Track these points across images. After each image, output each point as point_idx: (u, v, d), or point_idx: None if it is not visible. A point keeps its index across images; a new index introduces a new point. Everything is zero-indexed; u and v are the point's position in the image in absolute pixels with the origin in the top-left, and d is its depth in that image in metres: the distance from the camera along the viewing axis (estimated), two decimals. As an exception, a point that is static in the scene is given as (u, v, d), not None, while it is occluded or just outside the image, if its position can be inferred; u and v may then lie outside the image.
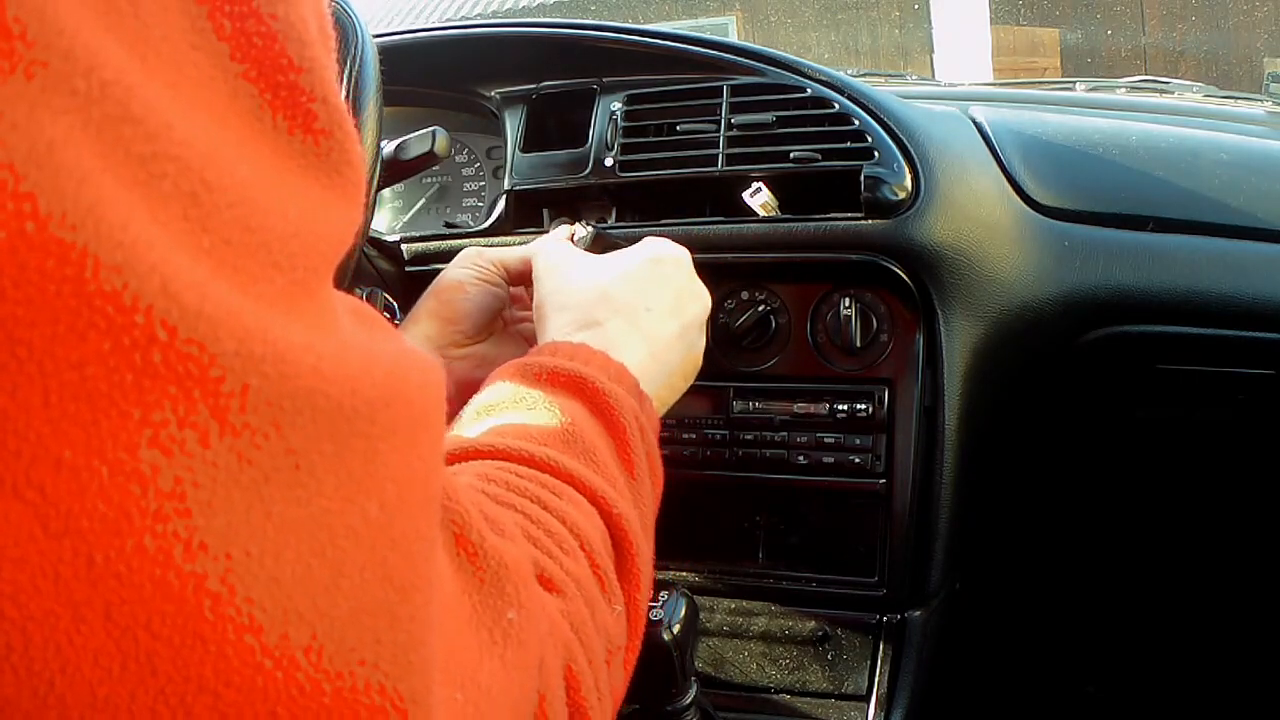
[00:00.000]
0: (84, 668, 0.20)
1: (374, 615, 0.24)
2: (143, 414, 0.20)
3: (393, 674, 0.25)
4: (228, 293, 0.21)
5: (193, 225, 0.21)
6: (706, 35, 0.98)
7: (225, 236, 0.22)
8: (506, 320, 0.71)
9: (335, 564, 0.23)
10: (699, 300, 0.64)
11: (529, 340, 0.69)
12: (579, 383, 0.49)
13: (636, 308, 0.59)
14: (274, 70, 0.24)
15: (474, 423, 0.49)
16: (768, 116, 0.90)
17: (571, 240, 0.76)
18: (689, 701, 0.68)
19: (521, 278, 0.70)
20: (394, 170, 0.79)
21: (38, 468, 0.19)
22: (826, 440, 0.88)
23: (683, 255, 0.65)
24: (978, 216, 0.88)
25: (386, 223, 1.12)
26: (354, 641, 0.24)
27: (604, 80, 0.99)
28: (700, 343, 0.63)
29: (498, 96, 1.04)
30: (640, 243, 0.65)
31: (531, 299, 0.63)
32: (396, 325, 0.73)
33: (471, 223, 1.06)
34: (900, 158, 0.85)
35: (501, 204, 0.97)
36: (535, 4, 7.19)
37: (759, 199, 0.87)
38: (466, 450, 0.45)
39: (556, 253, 0.64)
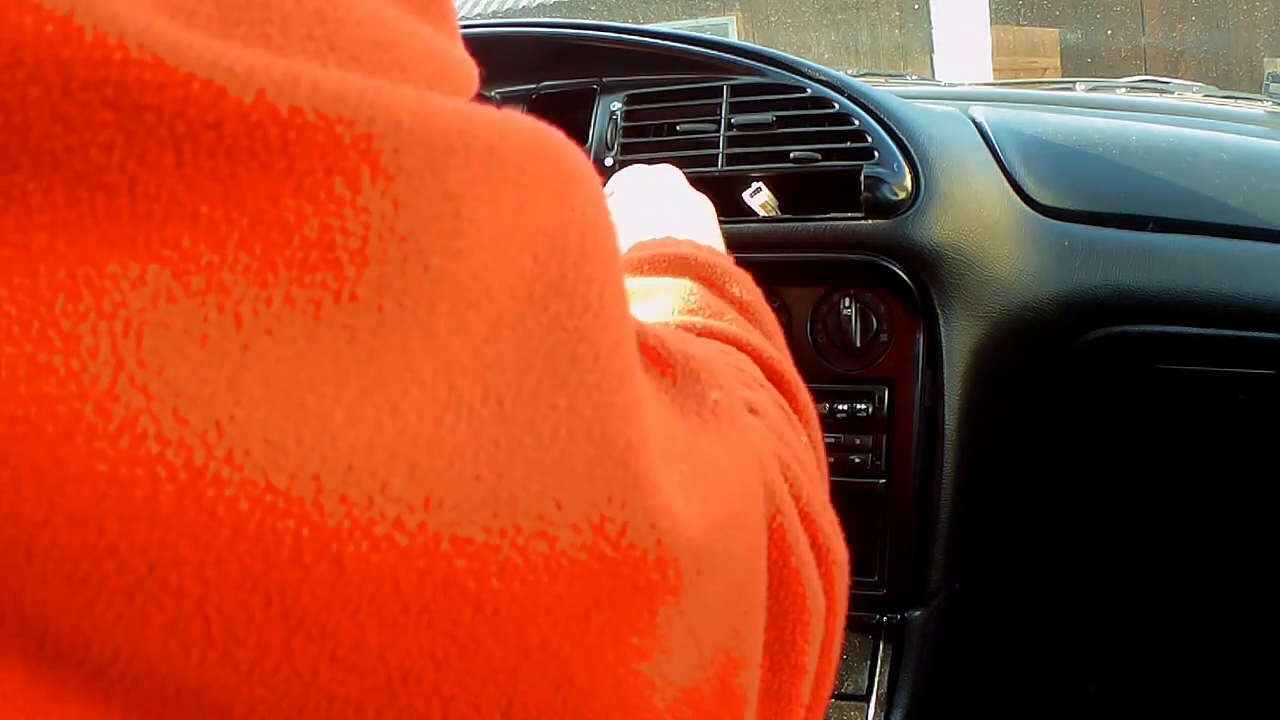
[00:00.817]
0: (253, 449, 0.18)
1: (550, 359, 0.22)
2: (286, 164, 0.18)
3: (595, 417, 0.22)
4: (353, 76, 0.20)
5: (319, 45, 0.20)
6: (706, 35, 0.98)
7: (354, 54, 0.20)
8: None
9: (493, 316, 0.21)
10: (704, 199, 0.65)
11: None
12: (682, 261, 0.47)
13: (675, 210, 0.59)
14: None
15: None
16: (768, 116, 0.90)
17: None
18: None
19: None
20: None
21: (172, 224, 0.18)
22: (826, 440, 0.88)
23: (672, 171, 0.65)
24: (978, 216, 0.88)
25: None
26: (534, 388, 0.21)
27: (604, 80, 0.99)
28: (716, 223, 0.63)
29: (498, 96, 1.04)
30: (619, 181, 0.65)
31: None
32: None
33: (471, 223, 1.06)
34: (900, 158, 0.85)
35: (501, 204, 0.97)
36: (535, 4, 7.19)
37: (759, 199, 0.87)
38: None
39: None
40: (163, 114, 0.17)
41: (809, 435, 0.39)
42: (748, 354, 0.41)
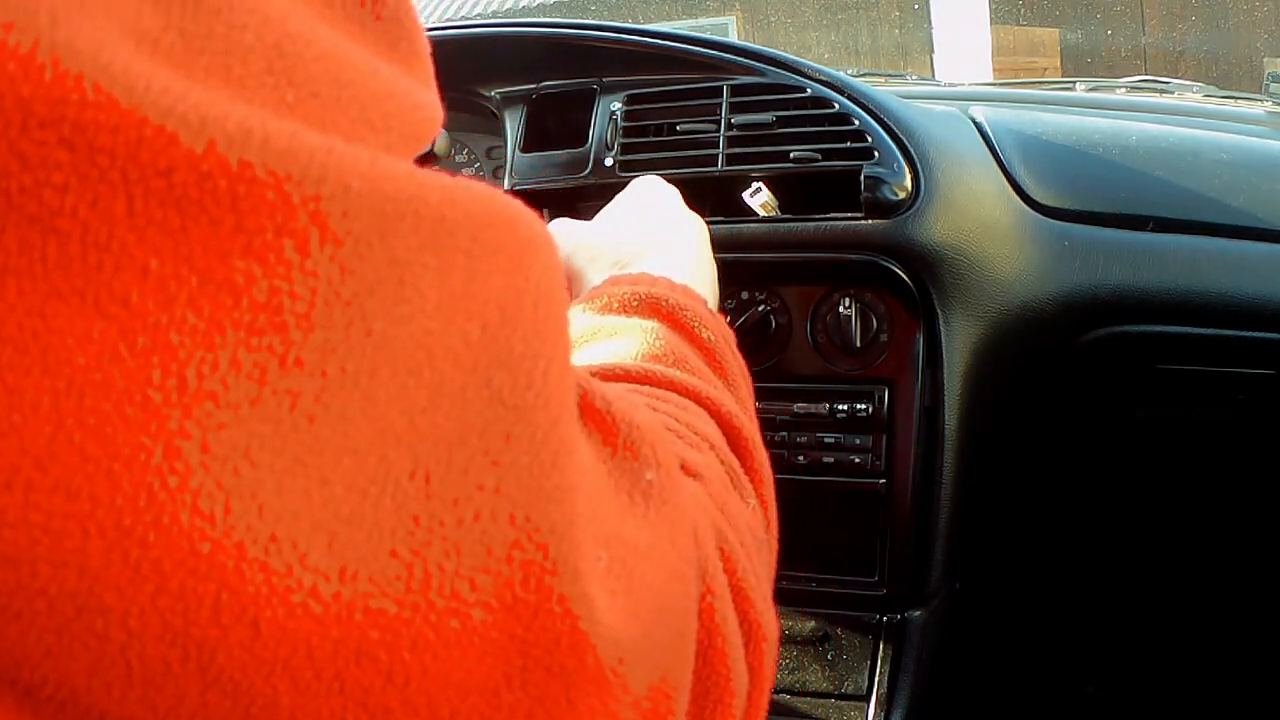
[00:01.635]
0: (180, 514, 0.18)
1: (484, 436, 0.22)
2: (237, 221, 0.18)
3: (521, 500, 0.22)
4: (308, 130, 0.20)
5: (278, 79, 0.20)
6: (706, 35, 0.98)
7: (313, 90, 0.20)
8: None
9: (434, 385, 0.21)
10: (696, 221, 0.64)
11: None
12: (653, 303, 0.47)
13: (664, 237, 0.59)
14: None
15: None
16: (768, 116, 0.90)
17: None
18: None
19: None
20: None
21: (122, 278, 0.18)
22: (827, 440, 0.88)
23: (671, 189, 0.65)
24: (978, 216, 0.88)
25: (386, 223, 1.12)
26: (464, 464, 0.22)
27: (604, 80, 0.99)
28: (713, 260, 0.63)
29: (498, 96, 1.04)
30: (632, 184, 0.65)
31: None
32: None
33: (471, 223, 1.06)
34: (900, 158, 0.85)
35: (501, 204, 0.97)
36: (535, 4, 7.19)
37: (759, 199, 0.87)
38: None
39: (556, 226, 0.65)
40: (116, 157, 0.17)
41: (760, 494, 0.40)
42: (706, 408, 0.41)
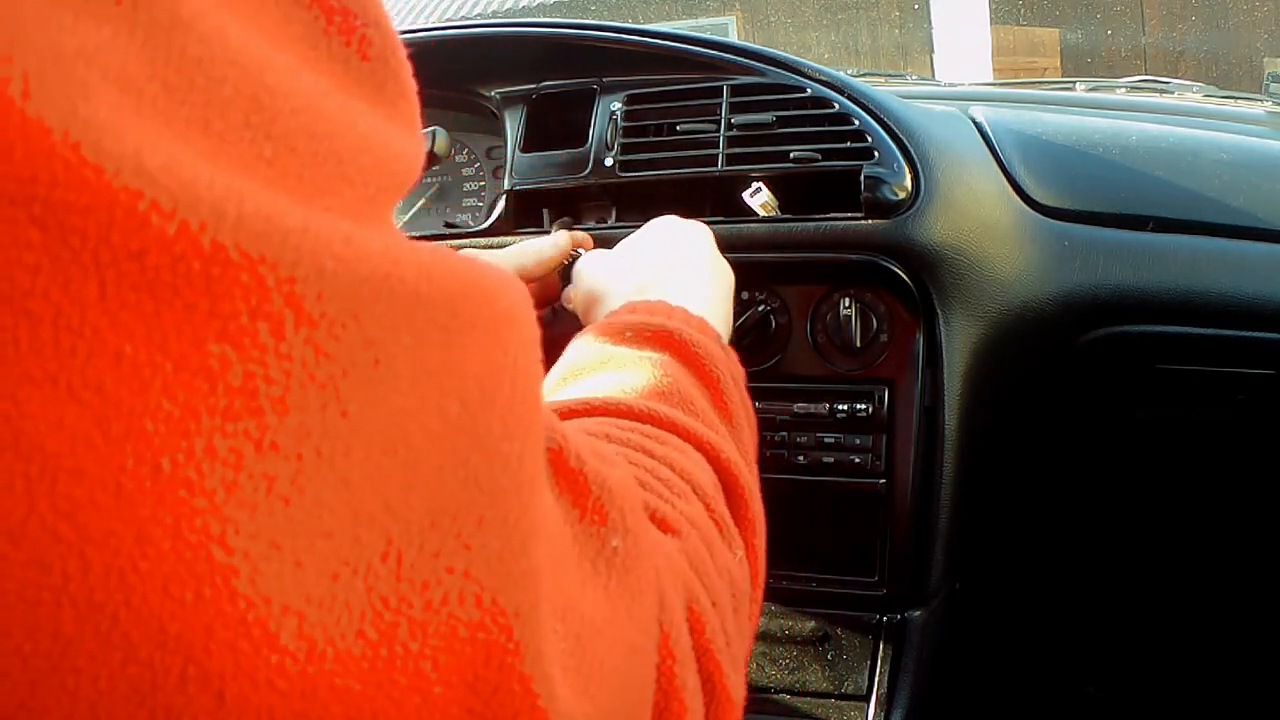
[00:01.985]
0: (151, 595, 0.18)
1: (457, 519, 0.22)
2: (211, 305, 0.18)
3: (489, 584, 0.23)
4: (290, 205, 0.20)
5: (256, 133, 0.20)
6: (706, 35, 0.98)
7: (290, 144, 0.20)
8: None
9: (409, 464, 0.21)
10: (724, 265, 0.65)
11: None
12: (665, 336, 0.47)
13: (677, 265, 0.59)
14: None
15: (561, 386, 0.46)
16: (768, 116, 0.90)
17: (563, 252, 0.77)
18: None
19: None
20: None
21: (95, 364, 0.17)
22: (826, 440, 0.88)
23: (685, 221, 0.66)
24: (978, 216, 0.88)
25: (386, 223, 1.12)
26: (436, 547, 0.22)
27: (604, 80, 0.99)
28: (730, 303, 0.64)
29: (498, 96, 1.04)
30: (650, 223, 0.67)
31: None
32: None
33: (471, 223, 1.06)
34: (900, 158, 0.85)
35: (501, 204, 0.97)
36: (535, 4, 7.19)
37: (759, 199, 0.87)
38: (559, 411, 0.41)
39: (586, 259, 0.67)
40: (88, 238, 0.17)
41: (750, 544, 0.40)
42: (704, 454, 0.41)
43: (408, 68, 0.25)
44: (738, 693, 0.34)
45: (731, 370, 0.49)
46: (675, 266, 0.59)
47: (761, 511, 0.42)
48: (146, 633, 0.19)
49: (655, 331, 0.48)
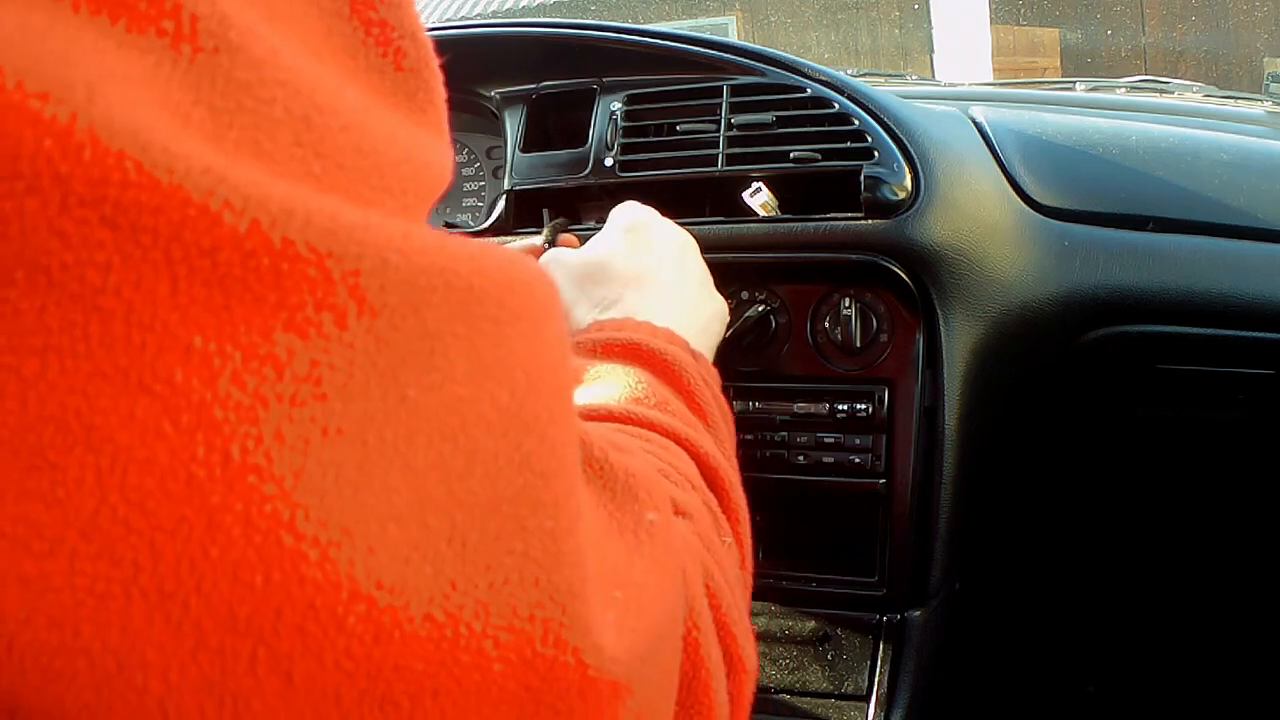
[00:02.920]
0: (221, 581, 0.19)
1: (515, 503, 0.23)
2: (279, 297, 0.19)
3: (545, 563, 0.24)
4: (348, 206, 0.20)
5: (305, 151, 0.20)
6: (706, 35, 0.98)
7: (339, 161, 0.21)
8: None
9: (469, 451, 0.22)
10: (688, 245, 0.65)
11: None
12: (634, 349, 0.49)
13: (641, 275, 0.59)
14: (364, 6, 0.23)
15: None
16: (768, 116, 0.90)
17: (540, 246, 0.76)
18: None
19: None
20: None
21: (165, 357, 0.18)
22: (826, 440, 0.88)
23: (650, 213, 0.66)
24: (978, 216, 0.88)
25: (386, 223, 1.12)
26: (497, 530, 0.23)
27: (604, 80, 0.99)
28: (710, 284, 0.63)
29: (498, 96, 1.04)
30: (609, 217, 0.66)
31: None
32: None
33: (471, 222, 1.06)
34: (900, 158, 0.85)
35: (501, 204, 0.97)
36: (535, 4, 7.19)
37: (759, 199, 0.87)
38: None
39: (548, 257, 0.66)
40: (159, 236, 0.18)
41: (736, 534, 0.41)
42: (685, 449, 0.42)
43: (439, 77, 0.25)
44: (751, 662, 0.35)
45: (702, 374, 0.50)
46: (640, 278, 0.59)
47: (744, 503, 0.44)
48: (217, 619, 0.19)
49: (624, 346, 0.49)
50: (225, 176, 0.18)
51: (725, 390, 0.90)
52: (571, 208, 0.98)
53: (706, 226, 0.89)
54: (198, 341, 0.18)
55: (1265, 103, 1.38)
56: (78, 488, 0.18)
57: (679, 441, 0.42)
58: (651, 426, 0.43)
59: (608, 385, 0.46)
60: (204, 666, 0.19)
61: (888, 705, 0.84)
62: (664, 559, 0.30)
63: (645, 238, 0.63)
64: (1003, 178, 0.94)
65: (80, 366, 0.18)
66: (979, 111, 1.02)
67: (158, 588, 0.19)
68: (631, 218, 0.65)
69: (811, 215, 0.87)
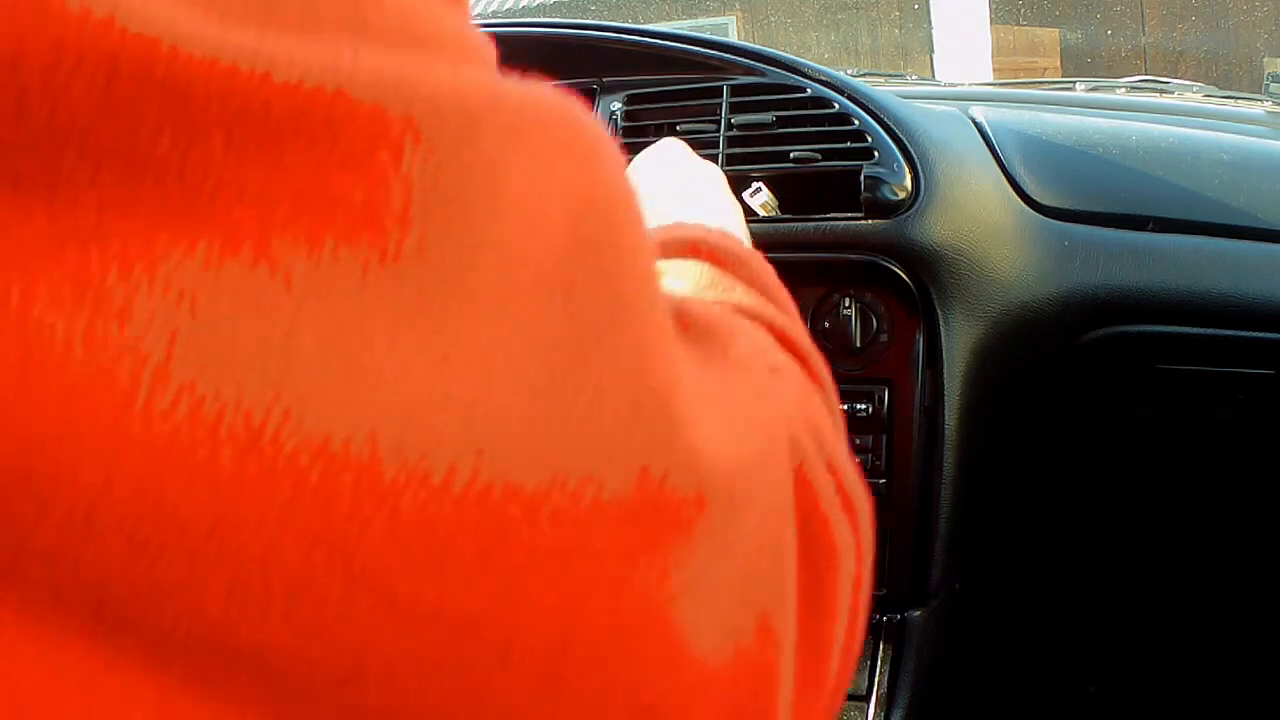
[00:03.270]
0: (304, 407, 0.18)
1: (590, 316, 0.22)
2: (332, 138, 0.19)
3: (630, 368, 0.23)
4: (391, 55, 0.20)
5: (355, 31, 0.20)
6: (706, 35, 0.98)
7: (386, 40, 0.21)
8: None
9: (533, 275, 0.22)
10: (713, 169, 0.66)
11: None
12: (692, 244, 0.47)
13: (680, 192, 0.59)
14: None
15: None
16: (768, 116, 0.90)
17: None
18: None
19: None
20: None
21: (222, 197, 0.18)
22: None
23: (675, 146, 0.67)
24: (978, 216, 0.88)
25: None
26: (576, 342, 0.22)
27: (604, 80, 0.99)
28: (735, 202, 0.64)
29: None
30: (636, 159, 0.67)
31: None
32: None
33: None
34: (900, 158, 0.85)
35: (501, 204, 0.97)
36: (535, 4, 7.19)
37: (759, 199, 0.87)
38: None
39: None
40: (210, 100, 0.18)
41: (825, 401, 0.40)
42: (761, 324, 0.41)
43: None
44: (864, 504, 0.34)
45: (761, 265, 0.49)
46: (675, 190, 0.59)
47: (827, 371, 0.42)
48: (313, 451, 0.18)
49: (681, 242, 0.48)
50: (269, 41, 0.19)
51: None
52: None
53: (706, 226, 0.89)
54: (252, 185, 0.18)
55: (1265, 103, 1.38)
56: (148, 327, 0.18)
57: (755, 317, 0.41)
58: (723, 304, 0.41)
59: (672, 280, 0.45)
60: (303, 515, 0.18)
61: (888, 705, 0.84)
62: (759, 387, 0.30)
63: (682, 161, 0.64)
64: (1003, 178, 0.94)
65: (137, 214, 0.18)
66: (979, 111, 1.02)
67: (245, 423, 0.18)
68: (666, 149, 0.67)
69: (811, 215, 0.87)
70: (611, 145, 0.25)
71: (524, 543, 0.21)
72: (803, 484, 0.30)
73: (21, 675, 0.18)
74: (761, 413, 0.29)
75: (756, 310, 0.41)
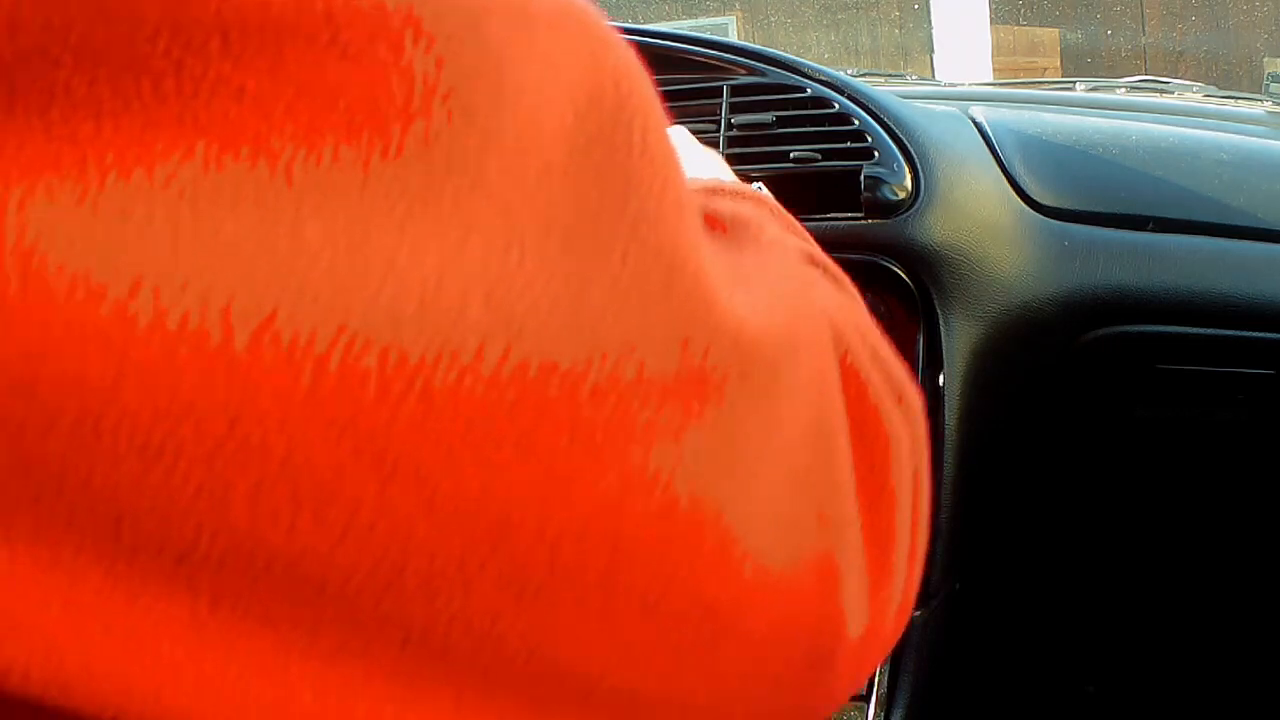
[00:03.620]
0: (319, 290, 0.18)
1: (605, 195, 0.22)
2: (331, 34, 0.19)
3: (654, 242, 0.22)
4: None
5: None
6: (706, 35, 0.98)
7: None
8: None
9: (542, 162, 0.21)
10: (713, 154, 0.65)
11: None
12: (713, 187, 0.48)
13: (692, 162, 0.59)
14: None
15: None
16: (768, 116, 0.90)
17: None
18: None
19: None
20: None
21: (219, 99, 0.18)
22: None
23: (678, 130, 0.66)
24: (978, 216, 0.88)
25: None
26: (594, 217, 0.21)
27: (604, 80, 0.99)
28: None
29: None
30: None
31: None
32: None
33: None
34: (900, 158, 0.85)
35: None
36: (535, 4, 7.17)
37: (759, 199, 0.87)
38: None
39: None
40: (208, 5, 0.17)
41: (864, 311, 0.39)
42: (794, 235, 0.40)
43: None
44: (914, 395, 0.34)
45: (783, 210, 0.49)
46: (693, 158, 0.59)
47: (858, 291, 0.42)
48: (329, 336, 0.18)
49: (699, 186, 0.49)
50: None
51: None
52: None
53: (706, 226, 0.89)
54: (250, 84, 0.18)
55: (1265, 103, 1.38)
56: (149, 224, 0.17)
57: (786, 230, 0.40)
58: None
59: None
60: (327, 404, 0.18)
61: (888, 705, 0.84)
62: (794, 272, 0.29)
63: (688, 144, 0.65)
64: (1003, 178, 0.94)
65: (135, 120, 0.17)
66: (979, 111, 1.02)
67: (257, 309, 0.17)
68: (681, 130, 0.66)
69: (811, 215, 0.87)
70: (617, 40, 0.25)
71: (565, 423, 0.20)
72: (849, 374, 0.29)
73: (39, 612, 0.17)
74: (800, 295, 0.28)
75: (788, 226, 0.40)
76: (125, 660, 0.18)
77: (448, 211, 0.19)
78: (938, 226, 0.84)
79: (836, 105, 0.88)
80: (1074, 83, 1.46)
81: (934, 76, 4.25)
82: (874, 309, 0.88)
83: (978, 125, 0.99)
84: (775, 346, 0.24)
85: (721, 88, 0.92)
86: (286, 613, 0.19)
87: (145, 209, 0.17)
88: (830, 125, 0.89)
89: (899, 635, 0.31)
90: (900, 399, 0.32)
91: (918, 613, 0.88)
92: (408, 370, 0.18)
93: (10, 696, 0.18)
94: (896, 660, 0.86)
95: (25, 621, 0.17)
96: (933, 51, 5.74)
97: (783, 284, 0.27)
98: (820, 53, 6.60)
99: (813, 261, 0.38)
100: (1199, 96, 1.45)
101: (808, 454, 0.26)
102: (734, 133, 0.91)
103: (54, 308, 0.16)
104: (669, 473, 0.21)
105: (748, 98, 0.92)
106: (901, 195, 0.84)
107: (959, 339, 0.87)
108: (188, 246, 0.17)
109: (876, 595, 0.29)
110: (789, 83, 0.91)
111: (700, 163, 0.59)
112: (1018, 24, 6.33)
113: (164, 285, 0.17)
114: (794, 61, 0.93)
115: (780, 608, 0.24)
